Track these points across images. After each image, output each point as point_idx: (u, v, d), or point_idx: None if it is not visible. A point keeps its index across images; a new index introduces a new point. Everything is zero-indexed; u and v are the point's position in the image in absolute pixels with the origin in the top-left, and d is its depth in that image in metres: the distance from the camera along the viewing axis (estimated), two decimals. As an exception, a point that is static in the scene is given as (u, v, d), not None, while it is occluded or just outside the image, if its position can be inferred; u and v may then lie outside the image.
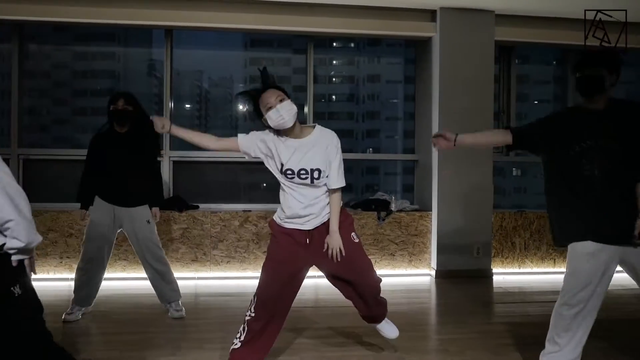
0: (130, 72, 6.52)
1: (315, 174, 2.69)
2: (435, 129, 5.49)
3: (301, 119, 5.88)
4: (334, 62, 7.12)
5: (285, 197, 2.78)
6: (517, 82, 6.28)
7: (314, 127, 2.82)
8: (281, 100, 2.66)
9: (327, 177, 2.75)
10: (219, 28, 5.50)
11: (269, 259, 2.85)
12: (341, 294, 3.05)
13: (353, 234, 2.89)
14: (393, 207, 5.61)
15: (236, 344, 2.78)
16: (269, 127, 2.76)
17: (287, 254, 2.80)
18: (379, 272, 4.71)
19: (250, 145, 2.83)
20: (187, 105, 6.56)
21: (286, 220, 2.79)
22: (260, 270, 2.86)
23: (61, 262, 5.06)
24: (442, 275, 5.46)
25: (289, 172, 2.70)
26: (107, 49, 6.35)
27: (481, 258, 5.55)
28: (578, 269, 2.60)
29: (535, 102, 7.18)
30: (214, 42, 6.30)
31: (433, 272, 5.54)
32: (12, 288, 2.06)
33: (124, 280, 5.08)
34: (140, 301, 4.40)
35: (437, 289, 5.16)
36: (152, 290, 4.04)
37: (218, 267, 5.29)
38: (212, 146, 2.91)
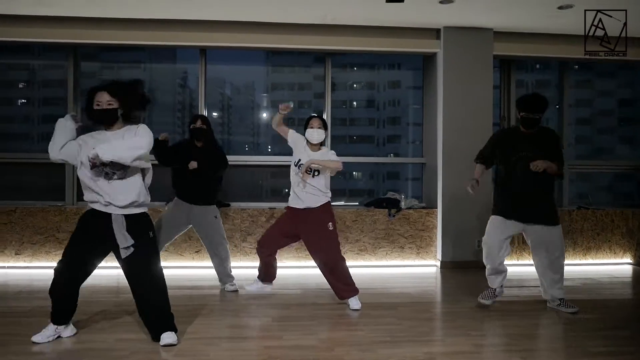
0: (155, 82, 7.22)
1: (316, 173, 4.32)
2: (440, 135, 6.15)
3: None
4: (355, 68, 7.51)
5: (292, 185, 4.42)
6: (516, 87, 6.87)
7: (323, 147, 4.52)
8: (319, 128, 4.34)
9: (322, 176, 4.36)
10: (245, 47, 6.25)
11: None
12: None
13: (330, 223, 4.35)
14: (402, 204, 6.27)
15: None
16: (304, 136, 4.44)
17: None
18: (389, 263, 5.63)
19: (294, 136, 4.52)
20: (215, 114, 7.21)
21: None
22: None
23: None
24: (447, 266, 6.09)
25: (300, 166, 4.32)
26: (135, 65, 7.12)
27: (482, 251, 6.14)
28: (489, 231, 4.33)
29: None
30: (238, 53, 6.75)
31: (438, 263, 6.17)
32: (150, 232, 3.42)
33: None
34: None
35: (442, 277, 5.78)
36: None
37: (247, 257, 6.00)
38: (278, 128, 4.50)
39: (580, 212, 6.48)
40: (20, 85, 7.00)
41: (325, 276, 4.43)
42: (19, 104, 7.03)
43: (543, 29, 6.19)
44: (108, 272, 5.48)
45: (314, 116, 4.45)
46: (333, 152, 4.45)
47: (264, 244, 4.60)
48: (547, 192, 4.25)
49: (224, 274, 4.95)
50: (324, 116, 6.57)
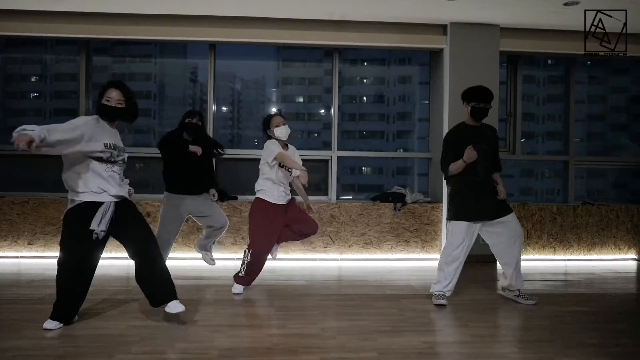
0: (165, 76, 7.32)
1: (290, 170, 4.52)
2: (446, 129, 6.20)
3: (328, 120, 6.69)
4: (365, 63, 7.54)
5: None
6: (523, 82, 6.90)
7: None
8: (285, 124, 4.53)
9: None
10: (255, 43, 6.33)
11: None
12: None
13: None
14: (408, 199, 6.34)
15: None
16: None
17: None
18: (394, 256, 5.87)
19: (273, 148, 4.50)
20: (224, 108, 7.30)
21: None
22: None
23: (122, 244, 5.94)
24: (451, 260, 6.15)
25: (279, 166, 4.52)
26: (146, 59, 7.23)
27: (487, 245, 6.19)
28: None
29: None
30: (248, 48, 6.73)
31: (443, 257, 6.24)
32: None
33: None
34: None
35: (446, 271, 5.85)
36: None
37: (254, 249, 6.10)
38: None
39: (585, 208, 6.51)
40: (33, 79, 7.14)
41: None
42: (31, 97, 7.18)
43: (549, 25, 6.21)
44: (117, 262, 5.62)
45: (278, 114, 4.73)
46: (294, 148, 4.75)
47: (267, 249, 4.60)
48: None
49: (209, 240, 5.09)
50: (331, 111, 6.66)
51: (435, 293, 4.37)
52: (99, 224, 3.46)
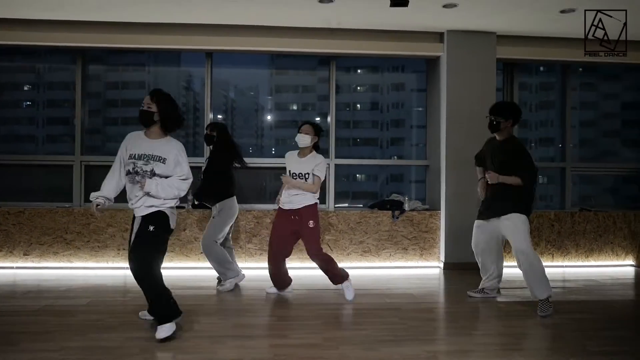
0: (159, 85, 7.25)
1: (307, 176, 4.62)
2: (443, 137, 6.22)
3: (325, 127, 6.68)
4: (359, 70, 7.54)
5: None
6: (520, 90, 6.93)
7: (313, 152, 4.71)
8: (305, 133, 4.62)
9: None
10: (250, 51, 6.33)
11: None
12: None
13: (311, 221, 4.58)
14: (406, 206, 6.33)
15: None
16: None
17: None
18: (393, 264, 5.74)
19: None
20: (219, 116, 7.26)
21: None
22: None
23: (119, 254, 5.87)
24: (450, 267, 6.15)
25: (293, 174, 4.66)
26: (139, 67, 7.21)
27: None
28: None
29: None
30: (242, 56, 6.75)
31: (442, 265, 6.23)
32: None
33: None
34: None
35: (445, 278, 5.84)
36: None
37: (252, 258, 6.07)
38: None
39: (583, 214, 6.52)
40: (26, 88, 7.09)
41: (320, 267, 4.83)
42: (24, 106, 7.13)
43: (546, 32, 6.24)
44: (114, 272, 5.57)
45: (305, 122, 4.80)
46: (321, 158, 4.69)
47: (271, 253, 4.80)
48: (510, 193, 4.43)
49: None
50: (328, 119, 6.65)
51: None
52: (130, 235, 3.67)
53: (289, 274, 4.95)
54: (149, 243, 3.53)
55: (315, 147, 4.75)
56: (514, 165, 4.36)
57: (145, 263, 3.48)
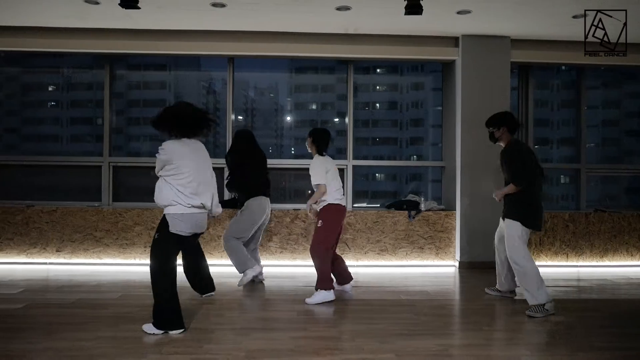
0: (180, 87, 7.54)
1: None
2: (458, 139, 6.37)
3: (342, 128, 6.88)
4: (377, 70, 7.65)
5: None
6: (537, 88, 7.02)
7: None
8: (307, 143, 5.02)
9: None
10: (271, 56, 6.57)
11: None
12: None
13: (320, 221, 4.75)
14: (422, 206, 6.49)
15: None
16: None
17: None
18: (409, 262, 5.99)
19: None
20: (240, 117, 7.45)
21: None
22: None
23: (145, 251, 6.14)
24: (465, 266, 6.30)
25: None
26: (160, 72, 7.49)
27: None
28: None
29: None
30: (263, 60, 6.95)
31: (457, 264, 6.38)
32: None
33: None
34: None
35: (460, 277, 5.99)
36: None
37: (273, 256, 6.30)
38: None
39: (598, 215, 6.61)
40: (50, 88, 7.41)
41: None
42: (49, 106, 7.45)
43: (559, 36, 6.36)
44: (141, 268, 5.83)
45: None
46: (313, 162, 4.88)
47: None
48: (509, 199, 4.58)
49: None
50: (346, 119, 6.83)
51: None
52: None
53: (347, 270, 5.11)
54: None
55: (320, 151, 4.93)
56: (508, 171, 4.52)
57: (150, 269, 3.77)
